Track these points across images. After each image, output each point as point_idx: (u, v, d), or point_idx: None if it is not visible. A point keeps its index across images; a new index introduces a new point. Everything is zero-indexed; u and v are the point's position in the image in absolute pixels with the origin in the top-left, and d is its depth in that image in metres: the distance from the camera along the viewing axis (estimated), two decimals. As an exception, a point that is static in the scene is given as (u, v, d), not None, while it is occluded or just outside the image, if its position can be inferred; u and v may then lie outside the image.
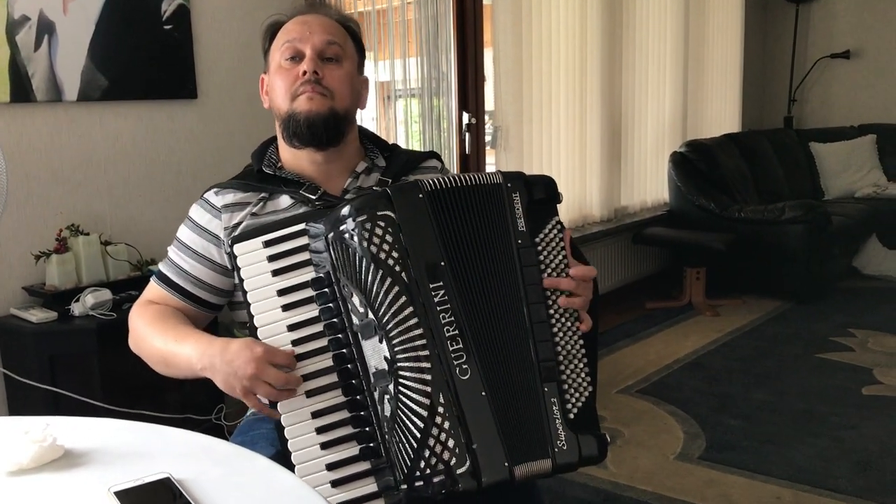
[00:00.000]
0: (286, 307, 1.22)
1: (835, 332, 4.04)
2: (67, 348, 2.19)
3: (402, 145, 3.22)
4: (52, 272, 2.25)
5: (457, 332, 1.16)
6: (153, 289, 1.45)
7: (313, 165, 1.44)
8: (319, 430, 1.18)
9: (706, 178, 4.94)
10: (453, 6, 3.67)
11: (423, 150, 3.50)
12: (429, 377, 1.13)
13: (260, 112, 2.84)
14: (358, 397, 1.19)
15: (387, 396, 1.15)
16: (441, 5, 3.63)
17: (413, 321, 1.15)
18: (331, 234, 1.20)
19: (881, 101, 5.98)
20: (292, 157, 1.45)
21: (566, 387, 1.20)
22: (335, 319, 1.21)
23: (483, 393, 1.15)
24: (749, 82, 6.19)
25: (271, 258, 1.23)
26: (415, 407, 1.13)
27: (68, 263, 2.27)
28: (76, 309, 2.20)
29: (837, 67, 6.15)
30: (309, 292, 1.22)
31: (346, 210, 1.18)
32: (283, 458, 1.17)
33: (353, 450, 1.18)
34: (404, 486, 1.13)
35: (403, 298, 1.15)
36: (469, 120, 3.78)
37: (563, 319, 1.23)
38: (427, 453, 1.11)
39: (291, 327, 1.21)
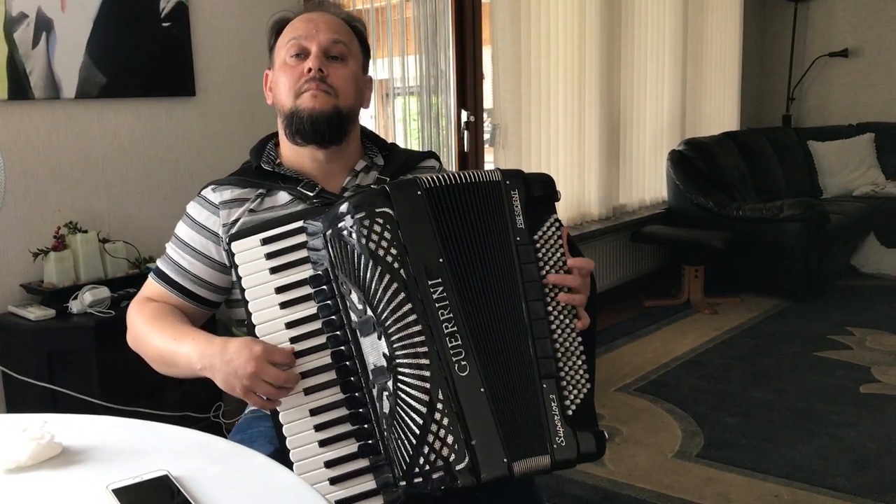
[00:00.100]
0: (284, 305, 1.22)
1: (833, 330, 4.04)
2: (65, 346, 2.18)
3: (401, 143, 3.22)
4: (50, 270, 2.25)
5: (455, 328, 1.16)
6: (151, 286, 1.45)
7: (314, 163, 1.44)
8: (318, 428, 1.19)
9: (705, 177, 4.94)
10: (452, 4, 3.67)
11: (421, 148, 3.52)
12: (428, 374, 1.13)
13: (258, 109, 2.86)
14: (356, 394, 1.19)
15: (385, 393, 1.15)
16: (440, 3, 3.62)
17: (412, 318, 1.15)
18: (329, 232, 1.20)
19: (880, 100, 5.99)
20: (293, 154, 1.45)
21: (564, 383, 1.21)
22: (333, 317, 1.21)
23: (482, 389, 1.15)
24: (748, 80, 6.19)
25: (269, 256, 1.23)
26: (414, 403, 1.13)
27: (66, 261, 2.26)
28: (74, 306, 2.19)
29: (836, 66, 6.15)
30: (307, 290, 1.22)
31: (344, 207, 1.18)
32: (281, 455, 1.17)
33: (351, 447, 1.18)
34: (403, 483, 1.13)
35: (402, 295, 1.15)
36: (467, 118, 3.78)
37: (561, 316, 1.23)
38: (426, 450, 1.11)
39: (290, 325, 1.21)
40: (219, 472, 1.01)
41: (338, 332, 1.20)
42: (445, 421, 1.12)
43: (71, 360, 2.19)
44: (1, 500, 0.95)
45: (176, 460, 1.02)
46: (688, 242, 4.63)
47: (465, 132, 3.79)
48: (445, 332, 1.16)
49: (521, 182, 1.27)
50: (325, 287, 1.21)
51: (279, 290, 1.22)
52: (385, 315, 1.15)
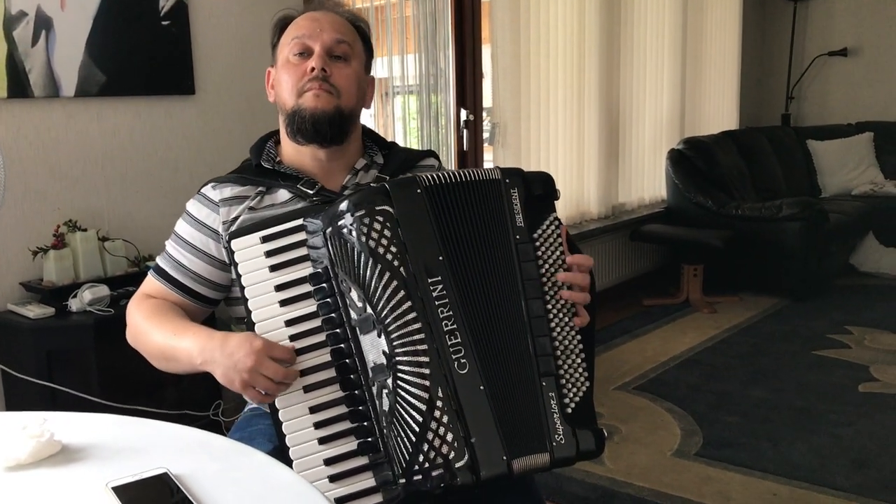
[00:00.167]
0: (284, 302, 1.22)
1: (832, 329, 4.05)
2: (65, 344, 2.18)
3: (400, 142, 3.22)
4: (50, 268, 2.25)
5: (455, 326, 1.16)
6: (150, 283, 1.45)
7: (315, 162, 1.44)
8: (317, 426, 1.19)
9: (704, 176, 4.94)
10: (451, 3, 3.66)
11: (421, 147, 3.52)
12: (427, 371, 1.13)
13: (258, 108, 2.86)
14: (356, 392, 1.19)
15: (385, 391, 1.15)
16: (439, 2, 3.62)
17: (411, 315, 1.15)
18: (329, 230, 1.20)
19: (879, 99, 5.99)
20: (294, 153, 1.45)
21: (564, 381, 1.21)
22: (333, 314, 1.21)
23: (481, 387, 1.15)
24: (747, 80, 6.20)
25: (269, 253, 1.23)
26: (413, 401, 1.13)
27: (66, 259, 2.26)
28: (73, 305, 2.19)
29: (835, 65, 6.16)
30: (307, 287, 1.22)
31: (344, 205, 1.18)
32: (280, 453, 1.17)
33: (351, 444, 1.18)
34: (402, 481, 1.13)
35: (402, 293, 1.15)
36: (467, 116, 3.78)
37: (560, 314, 1.24)
38: (425, 447, 1.11)
39: (289, 322, 1.21)
40: (218, 469, 1.01)
41: (337, 330, 1.20)
42: (445, 419, 1.12)
43: (70, 359, 2.19)
44: (1, 497, 0.95)
45: (175, 458, 1.02)
46: (687, 241, 4.63)
47: (465, 131, 3.79)
48: (445, 329, 1.16)
49: (521, 181, 1.27)
50: (324, 285, 1.21)
51: (279, 287, 1.22)
52: (385, 313, 1.15)
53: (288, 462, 1.16)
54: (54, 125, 2.37)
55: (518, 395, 1.18)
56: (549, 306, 1.23)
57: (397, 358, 1.14)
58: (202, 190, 1.45)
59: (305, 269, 1.23)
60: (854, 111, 6.05)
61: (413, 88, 3.61)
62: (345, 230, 1.18)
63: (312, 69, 1.38)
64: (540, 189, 1.29)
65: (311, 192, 1.40)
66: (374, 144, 1.54)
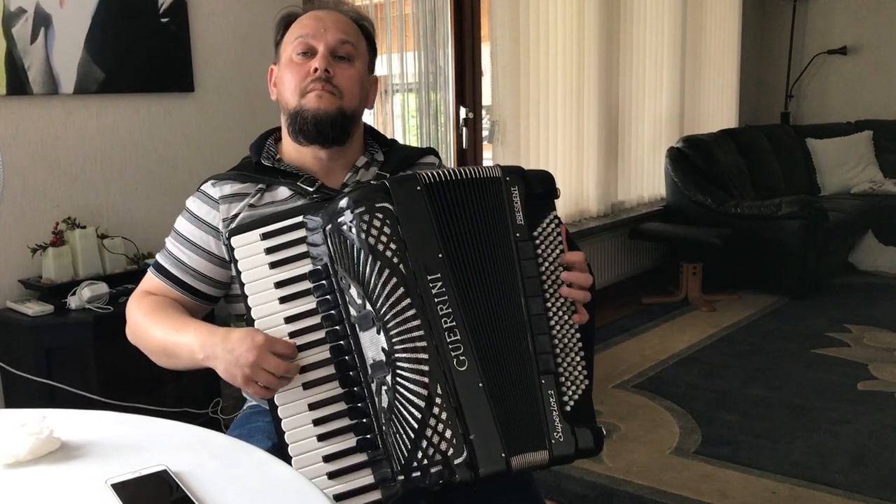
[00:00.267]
0: (283, 299, 1.22)
1: (830, 327, 4.05)
2: (64, 342, 2.18)
3: (399, 140, 3.22)
4: (49, 265, 2.25)
5: (454, 323, 1.16)
6: (150, 280, 1.45)
7: (316, 161, 1.44)
8: (316, 422, 1.19)
9: (703, 174, 4.94)
10: (451, 0, 3.66)
11: (420, 144, 3.52)
12: (426, 368, 1.13)
13: (257, 105, 2.86)
14: (355, 389, 1.19)
15: (384, 387, 1.15)
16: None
17: (411, 312, 1.15)
18: (329, 227, 1.20)
19: (878, 98, 5.99)
20: (295, 151, 1.44)
21: (563, 379, 1.21)
22: (332, 311, 1.21)
23: (480, 384, 1.15)
24: (746, 78, 6.20)
25: (269, 250, 1.23)
26: (412, 398, 1.13)
27: (65, 257, 2.26)
28: (72, 302, 2.19)
29: (834, 63, 6.16)
30: (306, 284, 1.22)
31: (344, 202, 1.19)
32: (280, 450, 1.17)
33: (350, 441, 1.19)
34: (401, 477, 1.13)
35: (401, 290, 1.15)
36: (466, 115, 3.78)
37: (560, 313, 1.24)
38: (424, 444, 1.11)
39: (289, 319, 1.21)
40: (218, 466, 1.01)
41: (337, 327, 1.21)
42: (444, 415, 1.12)
43: (69, 356, 2.19)
44: (0, 494, 0.95)
45: (175, 455, 1.03)
46: (686, 240, 4.63)
47: (464, 129, 3.79)
48: (444, 327, 1.16)
49: (522, 179, 1.27)
50: (324, 282, 1.21)
51: (279, 284, 1.22)
52: (384, 310, 1.15)
53: (287, 459, 1.17)
54: (53, 122, 2.37)
55: (517, 393, 1.18)
56: (549, 304, 1.23)
57: (396, 355, 1.14)
58: (202, 187, 1.44)
59: (305, 266, 1.23)
60: (853, 110, 6.05)
61: (412, 86, 3.61)
62: (344, 227, 1.18)
63: (315, 70, 1.38)
64: (540, 187, 1.29)
65: (311, 189, 1.40)
66: (374, 142, 1.54)
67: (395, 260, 1.16)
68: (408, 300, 1.15)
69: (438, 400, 1.13)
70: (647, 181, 5.18)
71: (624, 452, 2.71)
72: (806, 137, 5.87)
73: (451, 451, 1.11)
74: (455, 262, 1.20)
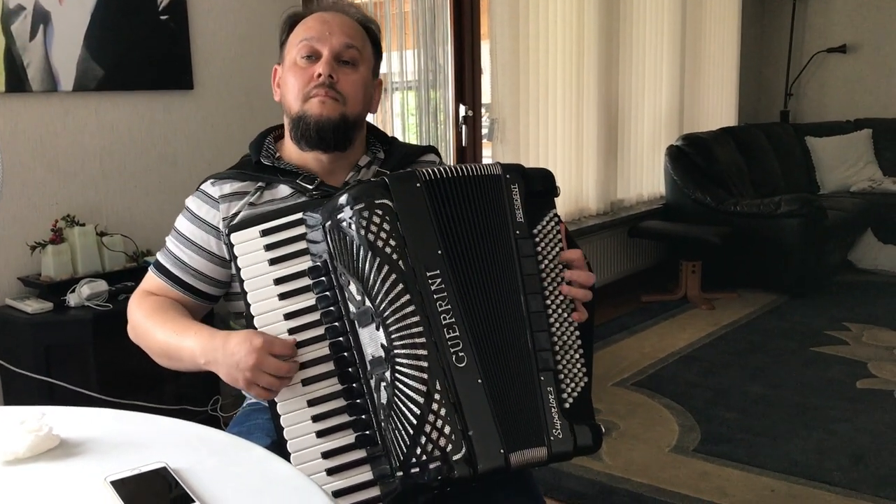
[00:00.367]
0: (283, 296, 1.22)
1: (829, 325, 4.05)
2: (63, 339, 2.18)
3: (399, 138, 3.22)
4: (48, 263, 2.25)
5: (453, 320, 1.16)
6: (151, 279, 1.45)
7: (317, 162, 1.43)
8: (315, 419, 1.19)
9: (702, 172, 4.94)
10: (450, -2, 3.66)
11: (419, 143, 3.51)
12: (425, 364, 1.14)
13: (256, 104, 2.86)
14: (354, 385, 1.20)
15: (383, 384, 1.15)
16: (438, -3, 3.62)
17: (410, 309, 1.15)
18: (328, 223, 1.20)
19: (877, 96, 5.99)
20: (297, 153, 1.44)
21: (562, 377, 1.21)
22: (332, 308, 1.21)
23: (479, 381, 1.15)
24: (745, 76, 6.19)
25: (268, 247, 1.23)
26: (411, 394, 1.13)
27: (64, 254, 2.26)
28: (72, 300, 2.19)
29: (834, 62, 6.16)
30: (306, 281, 1.22)
31: (343, 199, 1.19)
32: (279, 448, 1.17)
33: (349, 438, 1.19)
34: (400, 473, 1.13)
35: (400, 286, 1.15)
36: (466, 112, 3.78)
37: (559, 310, 1.24)
38: (423, 440, 1.11)
39: (288, 316, 1.21)
40: (217, 464, 1.01)
41: (336, 323, 1.21)
42: (443, 412, 1.12)
43: (68, 354, 2.19)
44: (0, 491, 0.95)
45: (174, 452, 1.03)
46: (685, 238, 4.63)
47: (464, 127, 3.79)
48: (443, 323, 1.16)
49: (521, 176, 1.27)
50: (323, 278, 1.22)
51: (278, 281, 1.22)
52: (383, 306, 1.15)
53: (286, 456, 1.17)
54: (52, 120, 2.37)
55: (516, 390, 1.18)
56: (549, 302, 1.24)
57: (395, 351, 1.14)
58: (202, 187, 1.44)
59: (305, 263, 1.23)
60: (853, 108, 6.05)
61: (412, 84, 3.61)
62: (344, 224, 1.18)
63: (319, 75, 1.37)
64: (540, 185, 1.29)
65: (310, 186, 1.40)
66: (376, 140, 1.54)
67: (395, 256, 1.16)
68: (407, 297, 1.15)
69: (437, 396, 1.13)
70: (647, 179, 5.18)
71: (623, 450, 2.71)
72: (805, 136, 5.88)
73: (449, 448, 1.11)
74: (454, 258, 1.20)
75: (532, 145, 4.09)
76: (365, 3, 3.34)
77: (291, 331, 1.21)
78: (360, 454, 1.18)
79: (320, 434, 1.18)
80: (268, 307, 1.22)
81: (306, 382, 1.20)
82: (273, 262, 1.23)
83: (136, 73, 2.53)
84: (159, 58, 2.58)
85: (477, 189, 1.25)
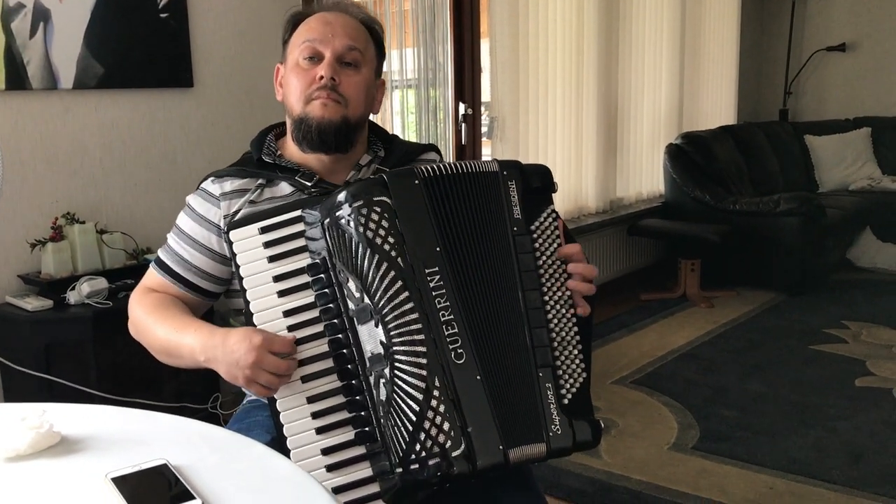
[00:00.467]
0: (282, 293, 1.22)
1: (828, 324, 4.05)
2: (63, 336, 2.19)
3: (399, 136, 3.22)
4: (48, 260, 2.25)
5: (452, 317, 1.17)
6: (152, 276, 1.45)
7: (319, 163, 1.43)
8: (315, 416, 1.19)
9: (701, 170, 4.95)
10: (450, -4, 3.66)
11: (419, 141, 3.52)
12: (424, 361, 1.14)
13: (256, 101, 2.86)
14: (353, 382, 1.20)
15: (382, 380, 1.15)
16: (438, -5, 3.62)
17: (409, 306, 1.15)
18: (327, 220, 1.20)
19: (876, 95, 5.99)
20: (298, 153, 1.44)
21: (560, 372, 1.21)
22: (331, 305, 1.21)
23: (478, 377, 1.16)
24: (745, 75, 6.19)
25: (267, 244, 1.23)
26: (410, 390, 1.13)
27: (64, 252, 2.27)
28: (72, 297, 2.20)
29: (833, 60, 6.16)
30: (305, 278, 1.22)
31: (342, 196, 1.19)
32: (279, 444, 1.18)
33: (348, 434, 1.19)
34: (399, 470, 1.13)
35: (399, 283, 1.16)
36: (465, 111, 3.78)
37: (557, 306, 1.24)
38: (422, 436, 1.12)
39: (287, 313, 1.22)
40: (217, 460, 1.01)
41: (335, 321, 1.21)
42: (442, 408, 1.13)
43: (68, 351, 2.20)
44: (0, 488, 0.95)
45: (175, 449, 1.03)
46: (684, 236, 4.63)
47: (463, 125, 3.79)
48: (442, 320, 1.16)
49: (519, 173, 1.28)
50: (322, 275, 1.22)
51: (277, 278, 1.23)
52: (382, 303, 1.15)
53: (286, 452, 1.17)
54: (52, 117, 2.37)
55: (515, 386, 1.18)
56: (547, 298, 1.24)
57: (394, 348, 1.14)
58: (202, 184, 1.44)
59: (304, 260, 1.23)
60: (852, 106, 6.05)
61: (412, 82, 3.61)
62: (342, 221, 1.18)
63: (321, 77, 1.37)
64: (538, 181, 1.29)
65: (309, 184, 1.40)
66: (377, 139, 1.54)
67: (393, 253, 1.17)
68: (406, 293, 1.15)
69: (436, 393, 1.13)
70: (646, 177, 5.18)
71: (622, 448, 2.72)
72: (804, 134, 5.88)
73: (448, 444, 1.12)
74: (453, 255, 1.20)
75: (532, 144, 4.10)
76: (365, 1, 3.34)
77: (291, 328, 1.21)
78: (359, 451, 1.19)
79: (320, 431, 1.19)
80: (267, 304, 1.22)
81: (306, 379, 1.20)
82: (272, 259, 1.23)
83: (136, 71, 2.53)
84: (159, 56, 2.58)
85: (475, 186, 1.25)
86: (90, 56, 2.41)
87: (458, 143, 3.80)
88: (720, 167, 5.02)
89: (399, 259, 1.17)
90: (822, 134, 5.83)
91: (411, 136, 3.65)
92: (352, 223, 1.17)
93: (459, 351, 1.16)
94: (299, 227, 1.24)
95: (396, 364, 1.14)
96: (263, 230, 1.24)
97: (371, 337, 1.17)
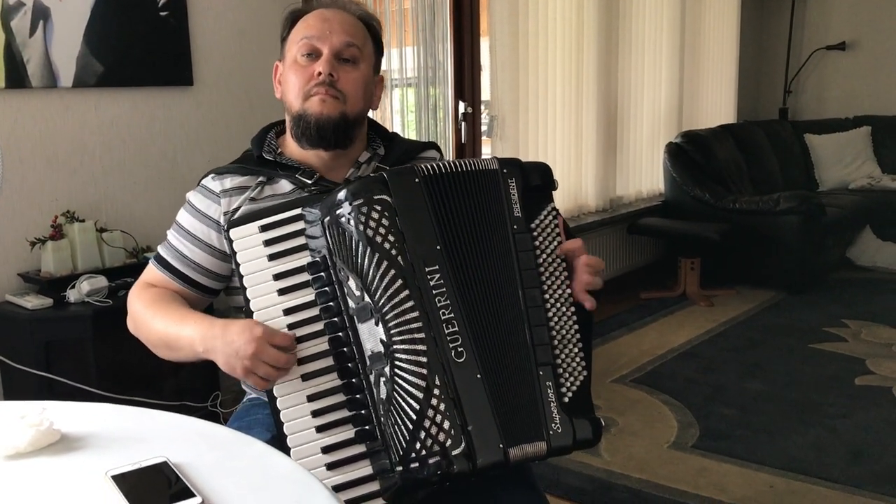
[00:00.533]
0: (282, 291, 1.22)
1: (828, 322, 4.06)
2: (63, 335, 2.19)
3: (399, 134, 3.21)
4: (48, 259, 2.25)
5: (452, 315, 1.17)
6: (151, 272, 1.45)
7: (318, 159, 1.44)
8: (315, 414, 1.19)
9: (701, 169, 4.95)
10: (450, -5, 3.66)
11: (419, 139, 3.51)
12: (424, 359, 1.14)
13: (256, 100, 2.86)
14: (354, 380, 1.20)
15: (382, 379, 1.15)
16: (438, -6, 3.62)
17: (409, 304, 1.15)
18: (327, 218, 1.20)
19: (876, 93, 5.99)
20: (298, 150, 1.44)
21: (561, 371, 1.21)
22: (331, 303, 1.21)
23: (478, 376, 1.16)
24: (745, 73, 6.19)
25: (267, 243, 1.23)
26: (410, 389, 1.13)
27: (63, 250, 2.27)
28: (72, 295, 2.20)
29: (833, 59, 6.15)
30: (305, 277, 1.22)
31: (342, 194, 1.19)
32: (279, 442, 1.18)
33: (348, 432, 1.19)
34: (399, 468, 1.13)
35: (399, 282, 1.15)
36: (465, 109, 3.78)
37: (558, 304, 1.24)
38: (422, 435, 1.12)
39: (288, 311, 1.22)
40: (217, 458, 1.01)
41: (335, 319, 1.21)
42: (442, 406, 1.13)
43: (68, 350, 2.20)
44: (0, 486, 0.95)
45: (175, 447, 1.03)
46: (684, 234, 4.63)
47: (463, 124, 3.79)
48: (442, 318, 1.16)
49: (519, 171, 1.28)
50: (322, 274, 1.22)
51: (277, 276, 1.22)
52: (382, 301, 1.15)
53: (286, 450, 1.17)
54: (52, 116, 2.37)
55: (515, 384, 1.18)
56: (547, 296, 1.24)
57: (395, 346, 1.14)
58: (203, 181, 1.44)
59: (304, 258, 1.23)
60: (851, 105, 6.05)
61: (411, 81, 3.61)
62: (343, 219, 1.18)
63: (319, 73, 1.37)
64: (538, 179, 1.29)
65: (309, 181, 1.40)
66: (376, 136, 1.54)
67: (394, 252, 1.17)
68: (406, 292, 1.15)
69: (437, 391, 1.13)
70: (646, 176, 5.18)
71: (622, 446, 2.72)
72: (804, 133, 5.88)
73: (449, 442, 1.12)
74: (453, 254, 1.20)
75: (531, 142, 4.10)
76: (364, -1, 3.34)
77: (291, 326, 1.21)
78: (359, 449, 1.19)
79: (320, 429, 1.19)
80: (267, 302, 1.22)
81: (306, 377, 1.20)
82: (272, 257, 1.23)
83: (136, 70, 2.53)
84: (159, 54, 2.58)
85: (475, 184, 1.25)
86: (90, 54, 2.41)
87: (457, 142, 3.80)
88: (720, 166, 5.02)
89: (399, 257, 1.17)
90: (821, 133, 5.83)
91: (411, 135, 3.65)
92: (352, 221, 1.17)
93: (460, 349, 1.16)
94: (299, 225, 1.24)
95: (396, 362, 1.14)
96: (263, 228, 1.24)
97: (371, 335, 1.17)
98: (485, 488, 1.28)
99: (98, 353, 2.17)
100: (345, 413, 1.19)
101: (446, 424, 1.12)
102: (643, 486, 2.45)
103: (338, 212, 1.19)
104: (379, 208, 1.18)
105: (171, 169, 2.66)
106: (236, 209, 1.39)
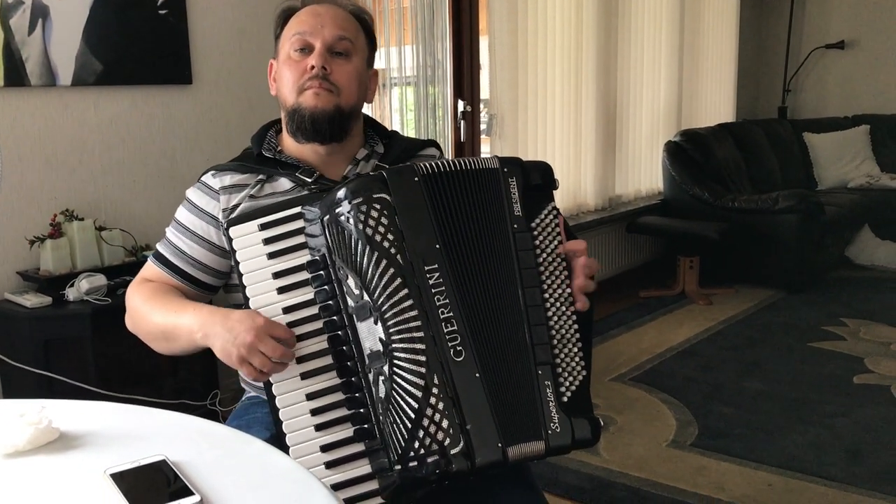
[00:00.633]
0: (281, 290, 1.22)
1: (827, 321, 4.06)
2: (62, 333, 2.19)
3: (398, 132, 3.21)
4: (47, 257, 2.25)
5: (451, 314, 1.17)
6: (150, 268, 1.46)
7: (315, 155, 1.44)
8: (314, 412, 1.19)
9: (700, 168, 4.95)
10: (449, -6, 3.66)
11: (418, 138, 3.50)
12: (423, 358, 1.14)
13: (255, 98, 2.86)
14: (352, 379, 1.20)
15: (381, 377, 1.15)
16: (437, -7, 3.62)
17: (408, 303, 1.15)
18: (326, 217, 1.20)
19: (875, 92, 6.00)
20: (295, 146, 1.45)
21: (560, 370, 1.21)
22: (330, 302, 1.21)
23: (477, 375, 1.16)
24: (744, 72, 6.19)
25: (267, 241, 1.24)
26: (409, 388, 1.13)
27: (62, 248, 2.27)
28: (71, 294, 2.20)
29: (832, 58, 6.16)
30: (304, 275, 1.22)
31: (341, 193, 1.19)
32: (278, 441, 1.18)
33: (347, 431, 1.19)
34: (398, 467, 1.13)
35: (398, 280, 1.16)
36: (464, 108, 3.78)
37: (557, 304, 1.24)
38: (421, 433, 1.12)
39: (287, 309, 1.22)
40: (216, 457, 1.01)
41: (334, 317, 1.21)
42: (441, 405, 1.13)
43: (67, 348, 2.20)
44: (0, 484, 0.95)
45: (174, 445, 1.03)
46: (683, 233, 4.63)
47: (462, 122, 3.79)
48: (441, 317, 1.16)
49: (520, 170, 1.28)
50: (322, 272, 1.22)
51: (277, 275, 1.23)
52: (381, 300, 1.15)
53: (285, 449, 1.17)
54: (51, 114, 2.37)
55: (514, 383, 1.18)
56: (547, 295, 1.24)
57: (394, 345, 1.14)
58: (202, 178, 1.45)
59: (303, 257, 1.23)
60: (850, 104, 6.05)
61: (410, 80, 3.61)
62: (342, 218, 1.18)
63: (312, 67, 1.38)
64: (538, 178, 1.29)
65: (309, 180, 1.40)
66: (375, 134, 1.54)
67: (393, 251, 1.17)
68: (405, 291, 1.15)
69: (435, 390, 1.13)
70: (645, 175, 5.19)
71: (621, 445, 2.72)
72: (803, 132, 5.88)
73: (447, 441, 1.12)
74: (452, 253, 1.20)
75: (530, 141, 4.10)
76: (364, -2, 3.34)
77: (290, 324, 1.21)
78: (358, 448, 1.19)
79: (319, 427, 1.19)
80: (266, 301, 1.22)
81: (304, 376, 1.20)
82: (272, 255, 1.23)
83: (135, 68, 2.53)
84: (158, 52, 2.58)
85: (475, 183, 1.25)
86: (89, 53, 2.41)
87: (457, 141, 3.80)
88: (719, 165, 5.02)
89: (398, 256, 1.17)
90: (820, 131, 5.84)
91: (410, 134, 3.65)
92: (351, 220, 1.17)
93: (459, 348, 1.16)
94: (299, 223, 1.24)
95: (395, 361, 1.14)
96: (263, 227, 1.24)
97: (370, 334, 1.17)
98: (483, 487, 1.28)
99: (97, 352, 2.18)
100: (343, 412, 1.19)
101: (445, 423, 1.12)
102: (642, 484, 2.45)
103: (337, 210, 1.19)
104: (378, 207, 1.18)
105: (170, 167, 2.66)
106: (235, 206, 1.39)
